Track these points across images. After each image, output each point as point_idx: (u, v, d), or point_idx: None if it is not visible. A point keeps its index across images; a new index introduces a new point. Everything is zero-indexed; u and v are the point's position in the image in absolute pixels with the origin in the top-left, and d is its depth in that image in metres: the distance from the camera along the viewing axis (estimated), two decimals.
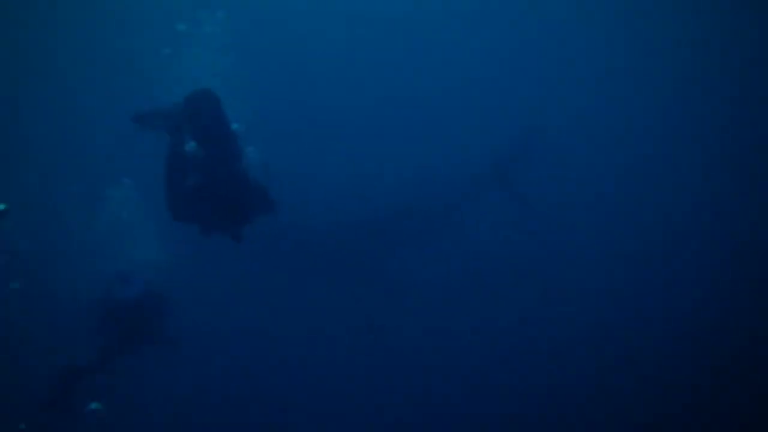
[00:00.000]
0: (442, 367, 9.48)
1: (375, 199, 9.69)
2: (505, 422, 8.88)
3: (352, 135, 10.25)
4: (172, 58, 7.83)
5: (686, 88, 10.71)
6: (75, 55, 10.90)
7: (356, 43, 11.27)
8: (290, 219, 6.65)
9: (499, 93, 11.12)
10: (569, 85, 11.29)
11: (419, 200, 10.15)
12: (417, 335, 9.56)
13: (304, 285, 9.24)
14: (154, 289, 7.36)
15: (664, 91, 10.89)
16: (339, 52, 11.15)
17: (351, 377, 9.21)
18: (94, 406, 7.47)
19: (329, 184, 9.46)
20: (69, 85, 10.67)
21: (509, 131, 10.47)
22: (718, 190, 10.20)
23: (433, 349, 9.55)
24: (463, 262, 10.24)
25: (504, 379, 9.37)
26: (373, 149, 10.18)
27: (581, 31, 11.73)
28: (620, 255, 10.35)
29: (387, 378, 9.27)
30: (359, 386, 9.07)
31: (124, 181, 8.21)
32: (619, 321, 9.85)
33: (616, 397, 8.84)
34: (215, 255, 7.22)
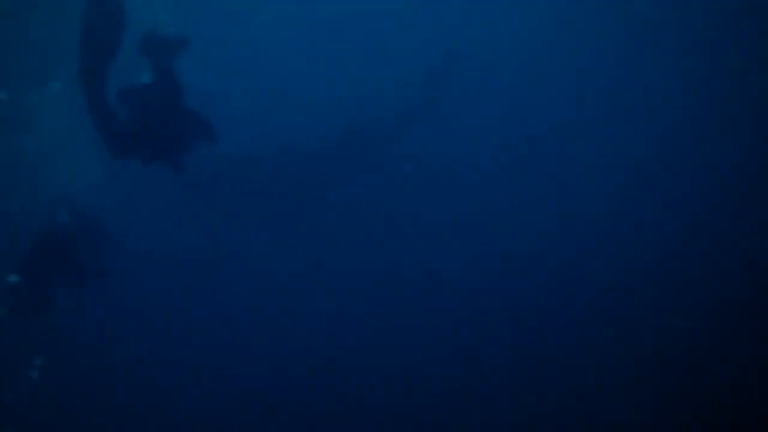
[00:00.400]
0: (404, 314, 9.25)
1: (318, 124, 9.47)
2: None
3: (293, 58, 9.93)
4: None
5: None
6: None
7: None
8: (230, 148, 6.59)
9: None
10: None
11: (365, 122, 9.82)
12: (369, 273, 9.34)
13: (244, 216, 9.07)
14: (87, 216, 7.28)
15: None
16: None
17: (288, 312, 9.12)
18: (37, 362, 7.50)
19: (268, 111, 9.20)
20: None
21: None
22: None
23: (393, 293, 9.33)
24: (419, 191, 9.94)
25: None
26: (313, 71, 9.88)
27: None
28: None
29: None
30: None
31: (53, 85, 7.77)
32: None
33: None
34: (153, 182, 7.11)
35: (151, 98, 5.46)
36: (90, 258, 7.14)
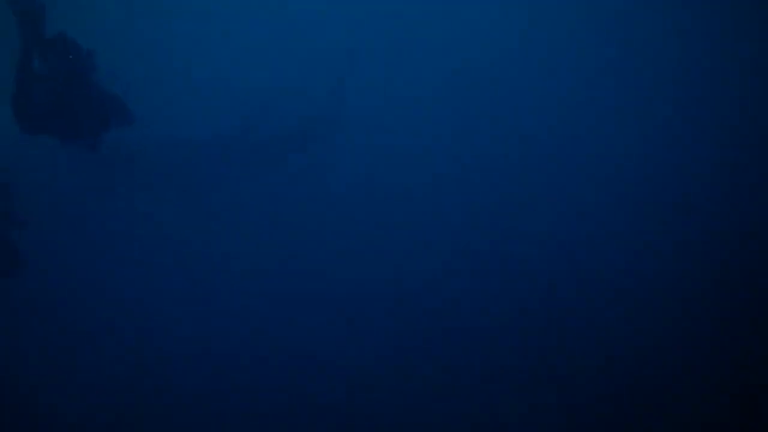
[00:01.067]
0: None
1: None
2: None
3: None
4: None
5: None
6: None
7: None
8: (152, 131, 6.81)
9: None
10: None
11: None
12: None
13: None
14: None
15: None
16: None
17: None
18: None
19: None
20: None
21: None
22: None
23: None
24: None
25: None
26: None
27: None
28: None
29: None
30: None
31: None
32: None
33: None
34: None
35: (59, 79, 5.68)
36: None
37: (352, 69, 9.75)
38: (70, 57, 5.65)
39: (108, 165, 7.12)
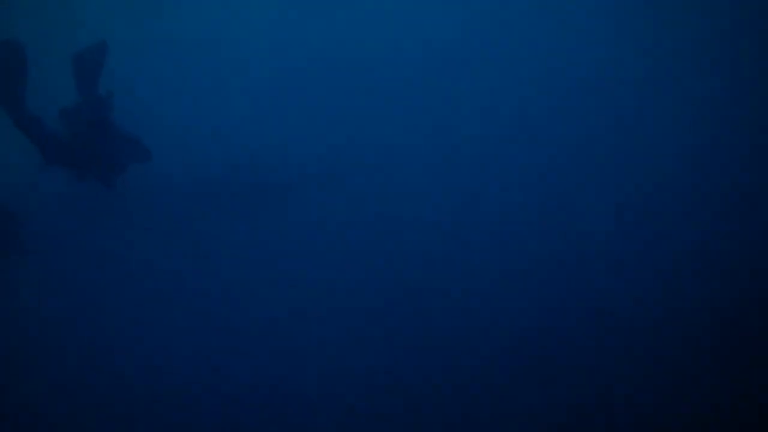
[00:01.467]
0: None
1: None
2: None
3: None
4: None
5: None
6: None
7: None
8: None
9: None
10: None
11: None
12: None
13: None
14: None
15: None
16: None
17: None
18: None
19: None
20: None
21: None
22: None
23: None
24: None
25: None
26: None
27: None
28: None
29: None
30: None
31: None
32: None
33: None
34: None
35: (80, 116, 5.92)
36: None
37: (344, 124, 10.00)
38: (96, 99, 5.92)
39: (118, 200, 7.27)
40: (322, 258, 9.66)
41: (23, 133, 5.75)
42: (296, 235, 9.78)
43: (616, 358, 8.95)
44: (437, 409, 8.40)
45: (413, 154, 10.60)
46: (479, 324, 9.32)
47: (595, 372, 8.86)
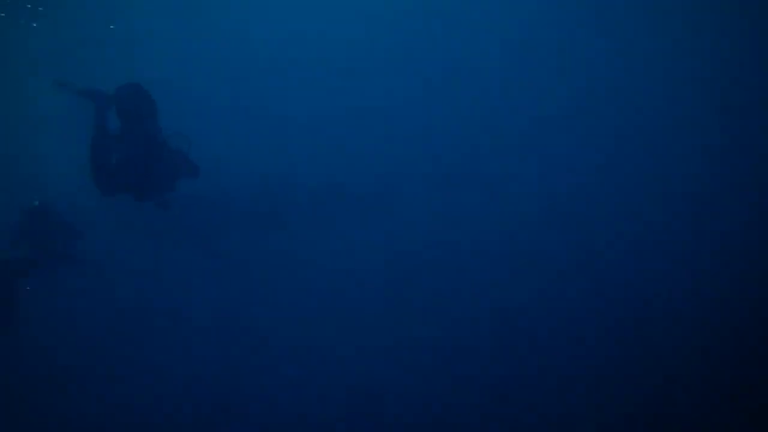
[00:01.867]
0: None
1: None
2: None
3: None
4: None
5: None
6: None
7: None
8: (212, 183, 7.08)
9: None
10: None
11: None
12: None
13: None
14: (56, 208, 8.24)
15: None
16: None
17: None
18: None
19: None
20: None
21: None
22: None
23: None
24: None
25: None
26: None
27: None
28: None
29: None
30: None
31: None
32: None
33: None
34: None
35: (136, 145, 5.99)
36: (57, 242, 8.23)
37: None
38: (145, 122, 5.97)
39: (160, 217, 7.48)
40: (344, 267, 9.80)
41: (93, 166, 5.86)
42: (323, 245, 9.92)
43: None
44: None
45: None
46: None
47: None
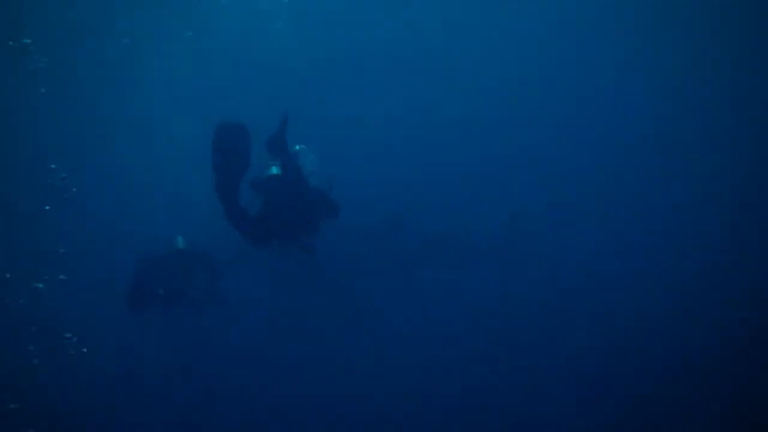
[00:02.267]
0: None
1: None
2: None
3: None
4: None
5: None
6: None
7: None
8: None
9: None
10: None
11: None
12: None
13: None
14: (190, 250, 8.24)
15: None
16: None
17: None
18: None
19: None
20: None
21: None
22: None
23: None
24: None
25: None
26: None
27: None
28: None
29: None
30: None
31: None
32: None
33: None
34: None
35: (280, 188, 5.70)
36: (193, 284, 8.26)
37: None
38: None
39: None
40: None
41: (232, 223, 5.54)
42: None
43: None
44: None
45: None
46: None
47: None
